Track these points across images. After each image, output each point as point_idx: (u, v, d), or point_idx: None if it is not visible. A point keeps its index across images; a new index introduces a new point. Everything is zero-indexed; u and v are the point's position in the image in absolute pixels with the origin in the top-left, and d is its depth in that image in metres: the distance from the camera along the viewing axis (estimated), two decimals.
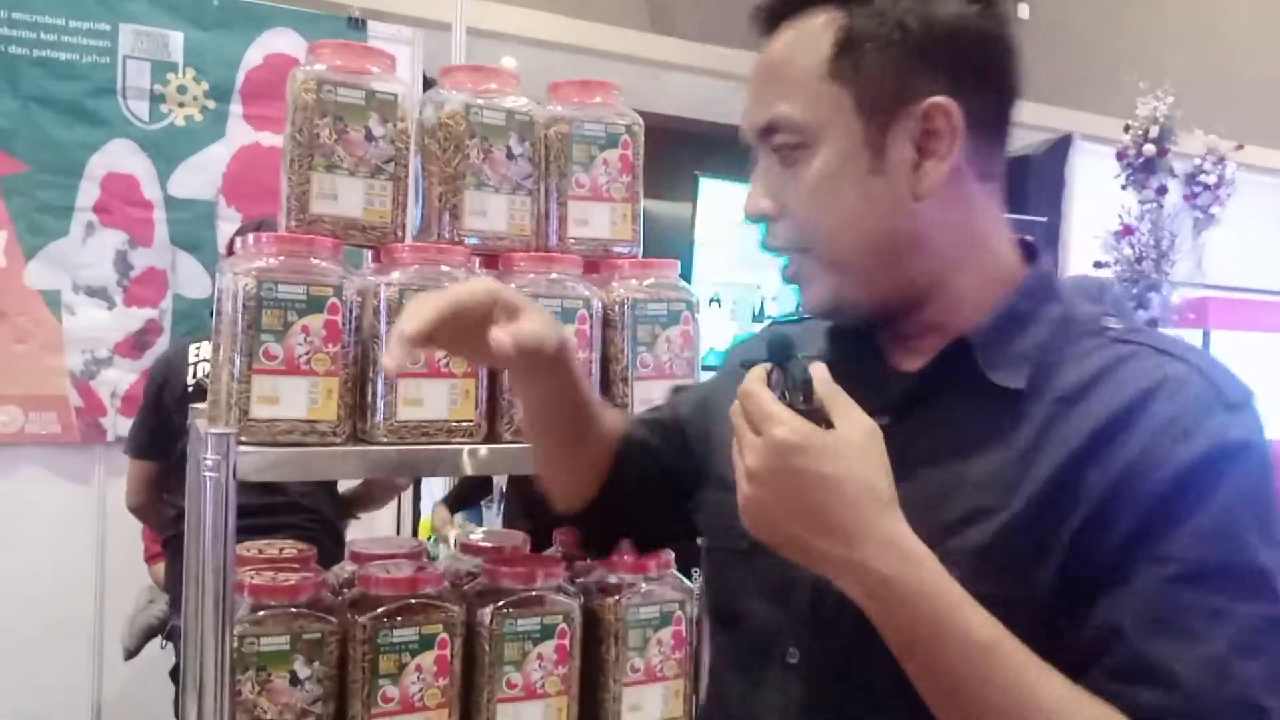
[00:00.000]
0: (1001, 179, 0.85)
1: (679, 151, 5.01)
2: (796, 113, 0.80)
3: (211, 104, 3.31)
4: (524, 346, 0.84)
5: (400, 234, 1.28)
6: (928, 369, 0.81)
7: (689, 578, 1.39)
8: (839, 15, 0.80)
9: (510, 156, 1.32)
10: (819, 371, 0.74)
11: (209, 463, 1.10)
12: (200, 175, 3.30)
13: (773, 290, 4.00)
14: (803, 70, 0.80)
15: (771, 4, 0.84)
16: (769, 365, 0.75)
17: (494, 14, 4.24)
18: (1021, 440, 0.75)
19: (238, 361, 1.14)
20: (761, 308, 4.01)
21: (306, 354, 1.16)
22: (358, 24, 3.52)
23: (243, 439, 1.13)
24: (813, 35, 0.80)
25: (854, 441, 0.71)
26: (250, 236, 1.19)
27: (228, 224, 3.30)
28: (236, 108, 3.34)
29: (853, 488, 0.70)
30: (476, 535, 1.46)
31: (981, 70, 0.80)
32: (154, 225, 3.26)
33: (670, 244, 4.34)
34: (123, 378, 3.18)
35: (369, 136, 1.24)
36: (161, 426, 2.42)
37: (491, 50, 4.44)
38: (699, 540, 1.01)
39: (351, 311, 1.19)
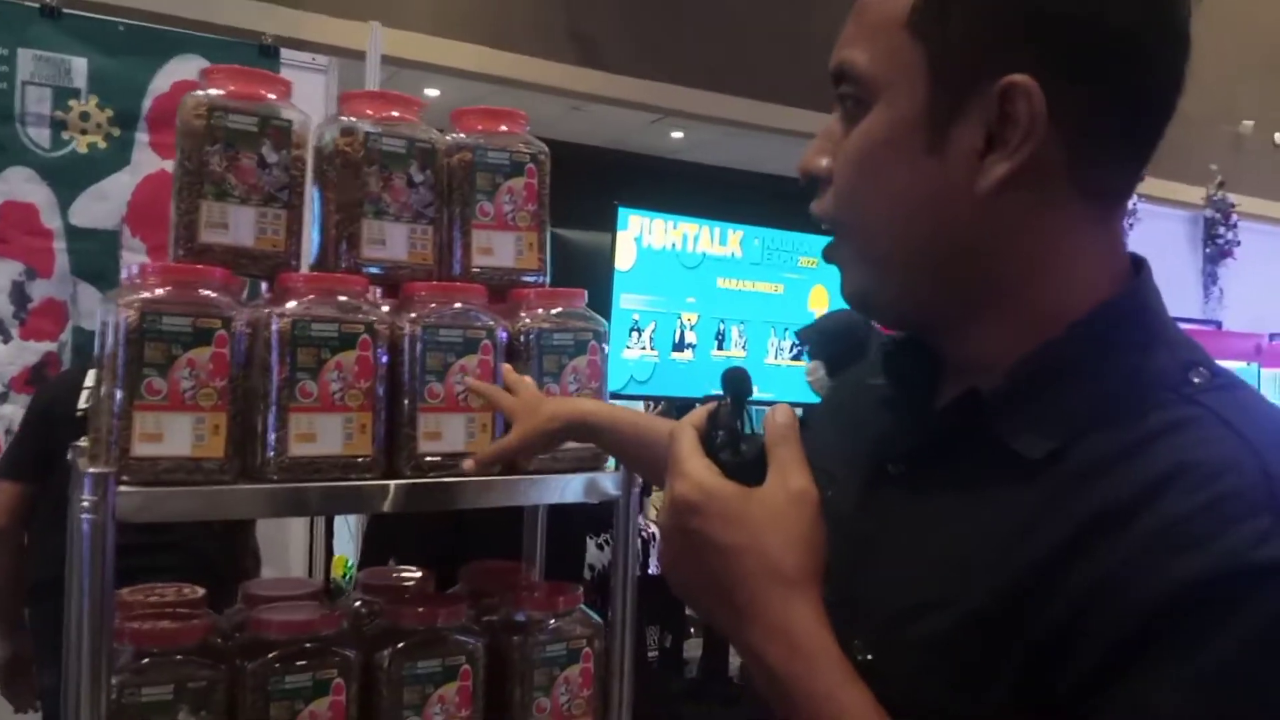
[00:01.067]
0: (1123, 203, 0.70)
1: (600, 181, 5.03)
2: (864, 61, 0.66)
3: (116, 131, 3.22)
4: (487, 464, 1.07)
5: (296, 263, 1.24)
6: (939, 416, 0.69)
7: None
8: None
9: (411, 184, 1.29)
10: (780, 415, 0.65)
11: (86, 504, 1.04)
12: (104, 204, 3.20)
13: (692, 319, 4.01)
14: (883, 14, 0.66)
15: None
16: (720, 401, 0.69)
17: (414, 44, 4.21)
18: (1018, 519, 0.60)
19: (119, 396, 1.09)
20: (682, 336, 4.01)
21: (192, 388, 1.11)
22: (270, 51, 3.46)
23: (124, 478, 1.07)
24: None
25: (770, 506, 0.62)
26: (135, 266, 1.15)
27: (132, 254, 3.20)
28: (143, 135, 3.25)
29: (751, 562, 0.62)
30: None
31: (1094, 61, 0.62)
32: (54, 255, 3.14)
33: (590, 272, 4.34)
34: (18, 414, 3.04)
35: (262, 164, 1.21)
36: (40, 449, 2.27)
37: (413, 80, 4.41)
38: None
39: (241, 344, 1.14)
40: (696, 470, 0.64)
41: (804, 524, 0.62)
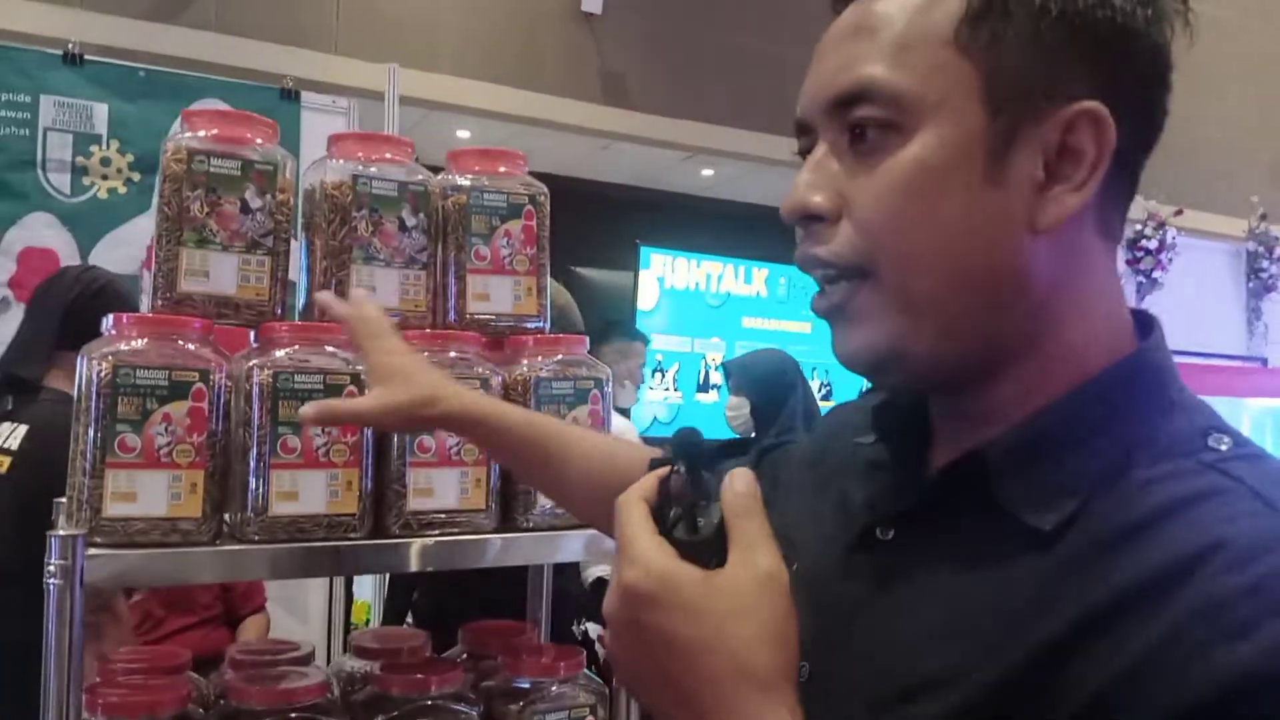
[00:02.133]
0: (1118, 244, 0.66)
1: (628, 220, 5.00)
2: (899, 79, 0.58)
3: (137, 176, 3.23)
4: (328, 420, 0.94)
5: (280, 312, 1.19)
6: (938, 478, 0.63)
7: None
8: None
9: (403, 229, 1.24)
10: (739, 483, 0.57)
11: (53, 568, 0.99)
12: (123, 249, 3.20)
13: (717, 359, 3.95)
14: (919, 29, 0.59)
15: None
16: (670, 469, 0.59)
17: (435, 85, 4.22)
18: (1028, 593, 0.54)
19: (90, 454, 1.03)
20: (706, 377, 3.95)
21: (168, 445, 1.06)
22: (291, 95, 3.46)
23: (96, 540, 1.02)
24: (910, 3, 0.60)
25: (736, 594, 0.54)
26: (111, 318, 1.10)
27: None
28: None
29: (717, 662, 0.54)
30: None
31: (1144, 93, 0.60)
32: None
33: (614, 311, 4.30)
34: None
35: (245, 209, 1.16)
36: None
37: (445, 122, 4.41)
38: None
39: (220, 397, 1.09)
40: (648, 553, 0.56)
41: (775, 613, 0.55)
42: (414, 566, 1.20)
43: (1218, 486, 0.55)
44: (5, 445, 2.13)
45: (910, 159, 0.58)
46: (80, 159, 3.15)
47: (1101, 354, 0.61)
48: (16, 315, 3.08)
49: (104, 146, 3.19)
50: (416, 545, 1.16)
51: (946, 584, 0.59)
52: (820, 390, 4.38)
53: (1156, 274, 5.13)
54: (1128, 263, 5.12)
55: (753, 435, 3.14)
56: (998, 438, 0.59)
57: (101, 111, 3.19)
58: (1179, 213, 5.21)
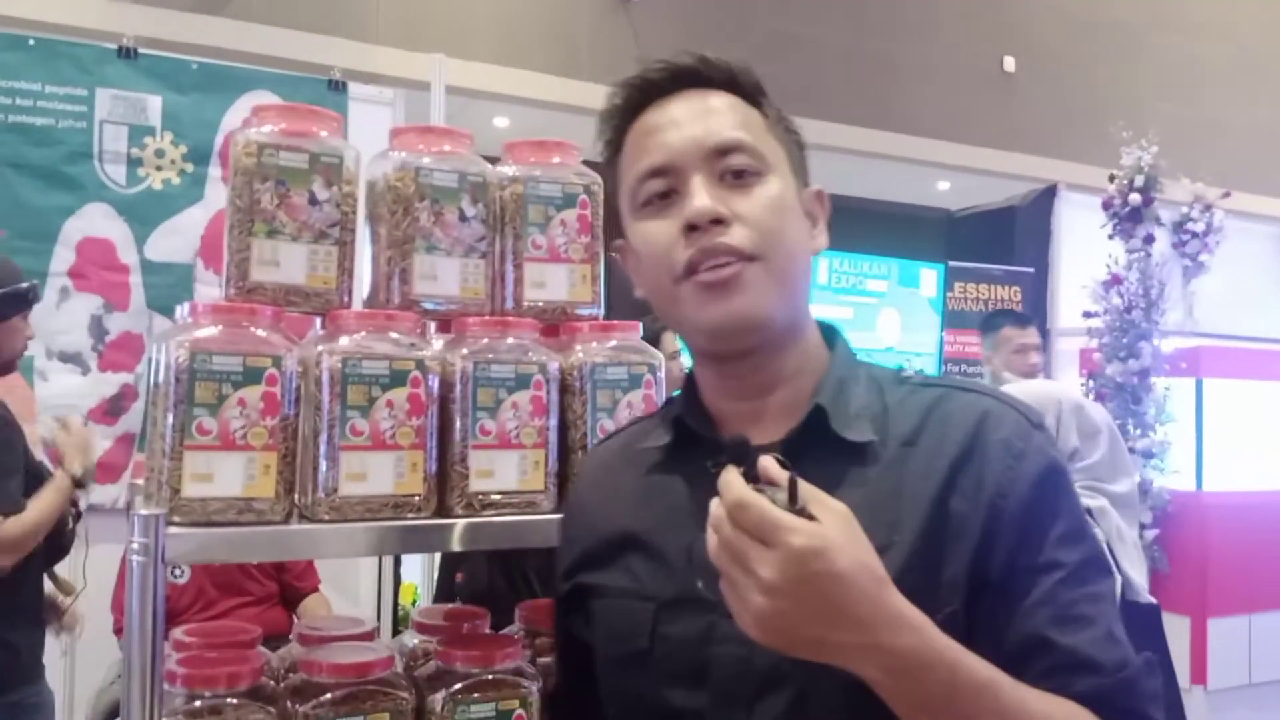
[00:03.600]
0: None
1: None
2: (757, 144, 0.91)
3: (189, 167, 3.30)
4: None
5: (347, 300, 1.23)
6: (793, 436, 0.89)
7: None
8: (742, 101, 0.95)
9: (463, 219, 1.27)
10: (772, 463, 0.74)
11: (136, 545, 1.04)
12: (177, 238, 3.28)
13: None
14: (754, 118, 0.94)
15: (681, 69, 0.96)
16: (740, 469, 0.74)
17: (479, 74, 4.25)
18: (884, 484, 0.85)
19: (169, 437, 1.08)
20: None
21: (243, 428, 1.10)
22: (338, 86, 3.52)
23: (175, 519, 1.07)
24: (738, 104, 0.94)
25: (846, 531, 0.73)
26: (186, 306, 1.14)
27: (206, 287, 3.27)
28: (215, 170, 3.32)
29: (863, 577, 0.72)
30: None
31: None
32: (130, 289, 3.23)
33: None
34: (97, 444, 3.12)
35: (313, 200, 1.20)
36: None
37: (483, 111, 4.45)
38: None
39: (292, 382, 1.13)
40: (799, 523, 0.71)
41: (862, 533, 0.74)
42: (475, 545, 1.24)
43: (940, 394, 0.91)
44: None
45: (773, 189, 0.91)
46: (135, 150, 3.23)
47: (819, 340, 0.96)
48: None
49: (158, 138, 3.26)
50: (478, 524, 1.20)
51: (842, 497, 0.77)
52: None
53: (1202, 257, 5.07)
54: (1173, 246, 5.06)
55: None
56: (819, 394, 0.90)
57: (155, 104, 3.26)
58: (1226, 195, 5.14)
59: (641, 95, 0.96)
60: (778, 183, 0.91)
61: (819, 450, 0.85)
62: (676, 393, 1.05)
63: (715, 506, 0.74)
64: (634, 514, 0.96)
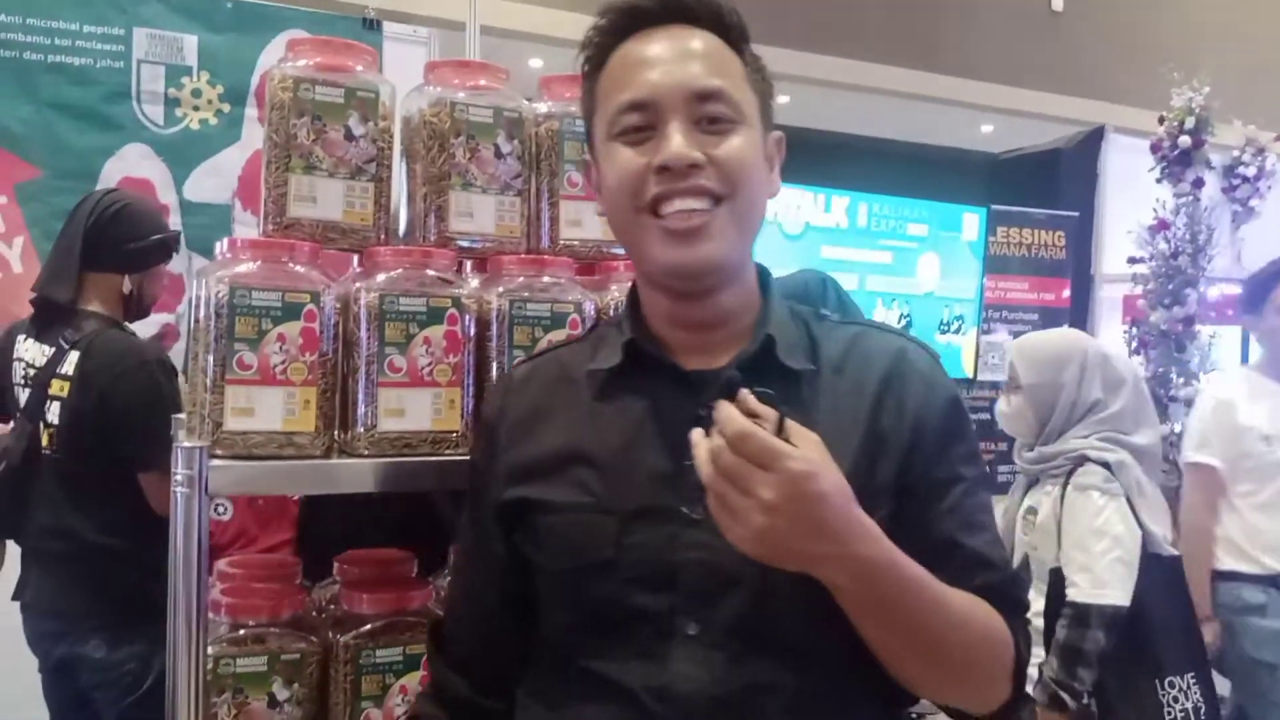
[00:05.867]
0: None
1: None
2: (735, 94, 0.95)
3: (226, 107, 3.30)
4: None
5: (384, 237, 1.23)
6: (745, 363, 0.95)
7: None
8: (726, 45, 0.97)
9: (499, 155, 1.26)
10: (751, 398, 0.82)
11: (180, 477, 1.05)
12: (216, 178, 3.28)
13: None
14: (735, 66, 0.97)
15: (671, 1, 0.97)
16: (741, 394, 0.82)
17: (514, 13, 4.20)
18: (822, 407, 0.95)
19: (210, 371, 1.09)
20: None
21: (283, 363, 1.11)
22: (373, 25, 3.48)
23: (217, 452, 1.08)
24: (722, 48, 0.97)
25: (823, 456, 0.83)
26: (225, 242, 1.15)
27: (244, 227, 3.28)
28: (251, 110, 3.31)
29: (840, 496, 0.82)
30: None
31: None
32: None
33: None
34: None
35: (349, 136, 1.20)
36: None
37: (518, 51, 4.41)
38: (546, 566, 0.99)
39: (330, 318, 1.14)
40: (794, 450, 0.79)
41: (831, 457, 0.83)
42: None
43: (858, 331, 1.02)
44: (64, 371, 2.25)
45: (744, 138, 0.95)
46: (172, 90, 3.23)
47: (755, 277, 1.03)
48: None
49: (194, 78, 3.26)
50: None
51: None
52: (900, 321, 4.33)
53: (1253, 203, 4.93)
54: (1223, 190, 4.93)
55: None
56: (770, 327, 0.98)
57: (191, 43, 3.25)
58: (1279, 138, 4.99)
59: (629, 20, 0.98)
60: (749, 132, 0.96)
61: (765, 377, 0.90)
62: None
63: (701, 437, 0.81)
64: (582, 432, 0.97)
